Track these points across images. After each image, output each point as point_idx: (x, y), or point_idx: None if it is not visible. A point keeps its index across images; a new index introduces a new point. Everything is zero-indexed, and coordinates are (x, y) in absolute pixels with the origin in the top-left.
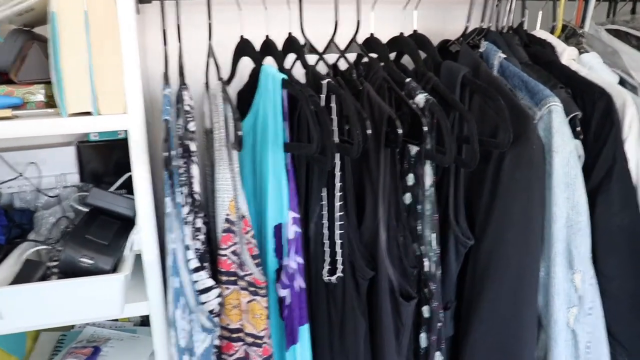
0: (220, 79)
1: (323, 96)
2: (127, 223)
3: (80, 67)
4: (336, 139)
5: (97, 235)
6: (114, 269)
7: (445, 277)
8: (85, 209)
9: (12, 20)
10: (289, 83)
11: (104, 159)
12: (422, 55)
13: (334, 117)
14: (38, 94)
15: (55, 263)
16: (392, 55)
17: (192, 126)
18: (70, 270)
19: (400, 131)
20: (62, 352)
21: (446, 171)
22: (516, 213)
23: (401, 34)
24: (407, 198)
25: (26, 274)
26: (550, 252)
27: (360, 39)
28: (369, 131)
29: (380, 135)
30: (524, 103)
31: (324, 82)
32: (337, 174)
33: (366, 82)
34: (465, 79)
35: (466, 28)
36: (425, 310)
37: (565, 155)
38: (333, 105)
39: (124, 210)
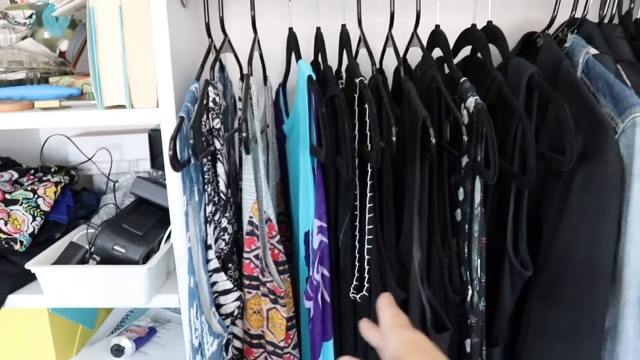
0: (246, 74)
1: (356, 96)
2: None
3: (115, 61)
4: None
5: (134, 225)
6: (146, 260)
7: (497, 309)
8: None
9: (75, 15)
10: (312, 81)
11: None
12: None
13: (368, 119)
14: None
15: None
16: (468, 50)
17: (216, 123)
18: (106, 257)
19: (433, 140)
20: (122, 327)
21: (507, 188)
22: (581, 247)
23: (473, 25)
24: (459, 215)
25: (66, 256)
26: (620, 299)
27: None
28: (394, 138)
29: (415, 142)
30: (606, 112)
31: (357, 80)
32: (368, 183)
33: (409, 82)
34: (532, 79)
35: (553, 18)
36: (468, 345)
37: None
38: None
39: (165, 202)
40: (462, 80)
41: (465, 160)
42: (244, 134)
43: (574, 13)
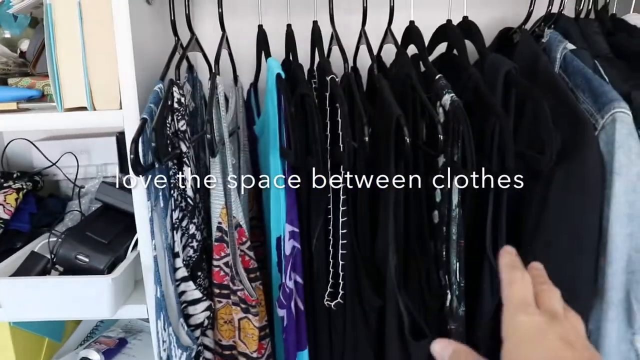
0: (212, 73)
1: (328, 94)
2: None
3: (75, 61)
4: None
5: (99, 232)
6: (112, 269)
7: (476, 316)
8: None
9: (35, 13)
10: (281, 80)
11: None
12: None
13: (340, 119)
14: None
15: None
16: (443, 47)
17: (182, 125)
18: (69, 266)
19: (407, 139)
20: (92, 339)
21: (485, 189)
22: (562, 248)
23: (448, 21)
24: (436, 217)
25: (27, 267)
26: (602, 302)
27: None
28: (366, 138)
29: (389, 142)
30: (585, 108)
31: (328, 78)
32: (341, 185)
33: (383, 80)
34: (509, 76)
35: (529, 13)
36: None
37: (631, 178)
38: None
39: (132, 208)
40: (437, 77)
41: (442, 160)
42: (208, 136)
43: (550, 8)
